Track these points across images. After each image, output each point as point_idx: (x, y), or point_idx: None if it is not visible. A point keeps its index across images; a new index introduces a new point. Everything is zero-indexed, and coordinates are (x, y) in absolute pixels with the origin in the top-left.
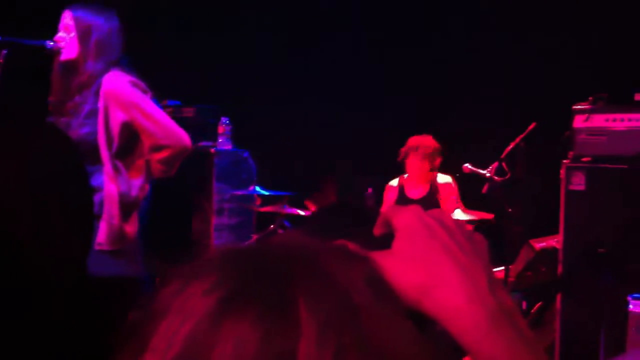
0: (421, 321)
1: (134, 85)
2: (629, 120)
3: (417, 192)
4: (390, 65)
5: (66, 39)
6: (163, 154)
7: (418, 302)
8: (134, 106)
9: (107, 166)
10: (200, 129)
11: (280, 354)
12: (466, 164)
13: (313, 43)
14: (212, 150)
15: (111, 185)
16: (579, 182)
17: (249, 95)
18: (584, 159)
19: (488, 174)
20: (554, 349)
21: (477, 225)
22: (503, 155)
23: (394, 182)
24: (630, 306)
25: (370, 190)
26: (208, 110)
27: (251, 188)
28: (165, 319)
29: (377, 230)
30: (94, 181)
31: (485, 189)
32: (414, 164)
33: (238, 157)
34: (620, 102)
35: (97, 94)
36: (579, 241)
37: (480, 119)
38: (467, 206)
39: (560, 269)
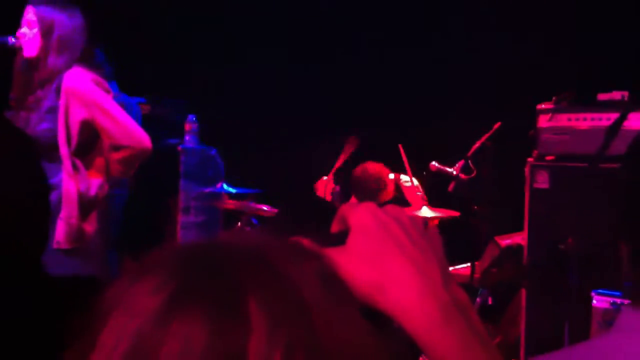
0: (376, 318)
1: (96, 83)
2: (592, 119)
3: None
4: (360, 66)
5: (28, 34)
6: (122, 154)
7: (372, 299)
8: (95, 104)
9: (66, 164)
10: (167, 127)
11: (229, 351)
12: (433, 162)
13: (281, 39)
14: (179, 147)
15: (70, 183)
16: (543, 181)
17: (217, 92)
18: (548, 158)
19: (454, 172)
20: (519, 344)
21: (444, 222)
22: (469, 154)
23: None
24: (594, 302)
25: (337, 188)
26: (174, 107)
27: (218, 186)
28: (113, 317)
29: (334, 227)
30: (53, 179)
31: (451, 187)
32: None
33: (205, 154)
34: (583, 102)
35: (58, 91)
36: (544, 238)
37: (446, 117)
38: (434, 204)
39: (524, 265)
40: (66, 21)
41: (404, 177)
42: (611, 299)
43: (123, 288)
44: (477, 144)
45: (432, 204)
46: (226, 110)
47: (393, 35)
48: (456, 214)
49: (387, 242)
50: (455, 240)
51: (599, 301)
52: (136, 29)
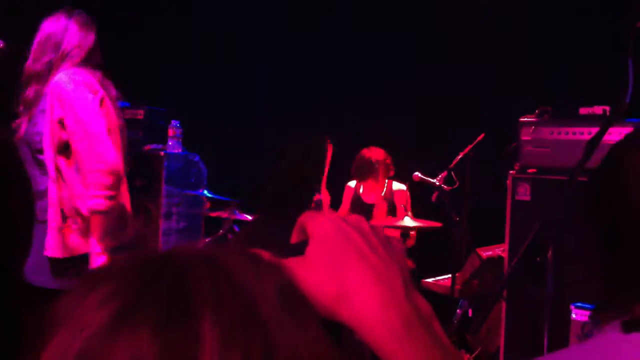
0: (338, 330)
1: (85, 86)
2: (573, 133)
3: (372, 196)
4: (342, 73)
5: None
6: (88, 175)
7: (332, 310)
8: (70, 106)
9: (49, 167)
10: (150, 132)
11: None
12: (416, 173)
13: (262, 44)
14: (162, 153)
15: (52, 188)
16: (524, 193)
17: (200, 98)
18: (530, 170)
19: (437, 183)
20: (498, 355)
21: (426, 232)
22: (452, 165)
23: (352, 184)
24: (573, 315)
25: (317, 196)
26: (158, 112)
27: (201, 192)
28: (60, 332)
29: (294, 237)
30: (42, 185)
31: (434, 197)
32: (373, 181)
33: (188, 160)
34: (565, 116)
35: (45, 94)
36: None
37: (430, 129)
38: (416, 214)
39: (504, 277)
40: (46, 25)
41: (397, 185)
42: (589, 312)
43: (74, 300)
44: (460, 155)
45: (414, 214)
46: (210, 116)
47: (377, 44)
48: (438, 224)
49: (348, 252)
50: (436, 251)
51: (577, 314)
52: (119, 33)
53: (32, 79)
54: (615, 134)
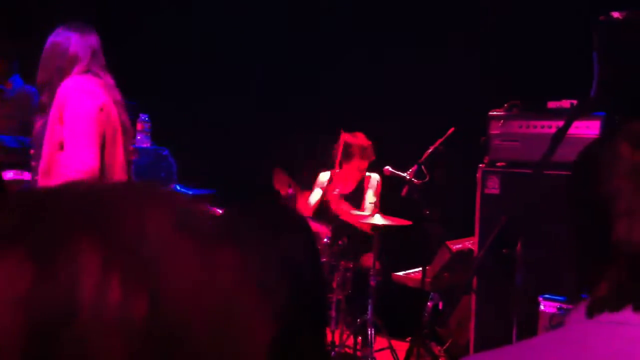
0: None
1: (86, 93)
2: (542, 127)
3: (346, 187)
4: (314, 66)
5: None
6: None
7: None
8: (67, 110)
9: (43, 161)
10: None
11: (57, 290)
12: (387, 167)
13: (232, 37)
14: (130, 147)
15: (43, 181)
16: (493, 186)
17: (168, 91)
18: (499, 164)
19: (408, 177)
20: (468, 346)
21: (396, 229)
22: (422, 159)
23: (325, 176)
24: (542, 307)
25: (290, 190)
26: (126, 106)
27: (171, 186)
28: None
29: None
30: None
31: (404, 191)
32: (356, 164)
33: (157, 155)
34: (533, 110)
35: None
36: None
37: (400, 122)
38: (386, 210)
39: (473, 269)
40: (50, 39)
41: (374, 176)
42: (558, 304)
43: None
44: (431, 149)
45: (384, 211)
46: (178, 109)
47: (350, 40)
48: (408, 222)
49: None
50: (407, 244)
51: (546, 306)
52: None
53: (45, 85)
54: (583, 127)
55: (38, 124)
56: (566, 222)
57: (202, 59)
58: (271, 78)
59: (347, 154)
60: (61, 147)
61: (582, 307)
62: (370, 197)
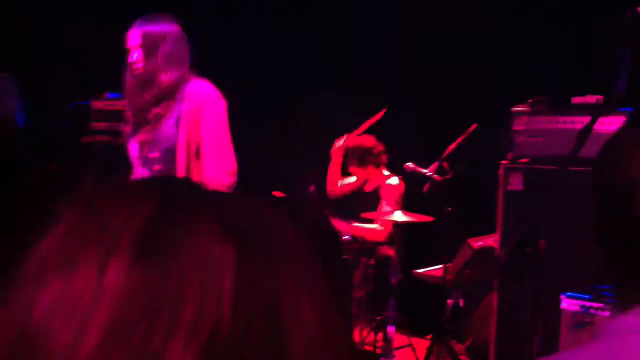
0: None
1: (220, 98)
2: (565, 122)
3: (368, 186)
4: (327, 63)
5: (136, 58)
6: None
7: None
8: (208, 119)
9: (179, 168)
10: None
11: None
12: (408, 163)
13: (232, 37)
14: None
15: None
16: (516, 183)
17: None
18: (522, 160)
19: (429, 174)
20: (489, 347)
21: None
22: (444, 155)
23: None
24: (563, 304)
25: (313, 188)
26: None
27: None
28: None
29: None
30: None
31: (426, 188)
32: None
33: None
34: (558, 106)
35: (182, 100)
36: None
37: (422, 119)
38: (408, 207)
39: (496, 267)
40: (170, 36)
41: (393, 182)
42: (580, 302)
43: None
44: (453, 146)
45: (406, 208)
46: None
47: (365, 35)
48: (430, 219)
49: None
50: (428, 241)
51: (568, 304)
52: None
53: (161, 94)
54: (607, 123)
55: (159, 134)
56: (592, 216)
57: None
58: (279, 78)
59: (361, 159)
60: (198, 153)
61: (634, 313)
62: (385, 208)
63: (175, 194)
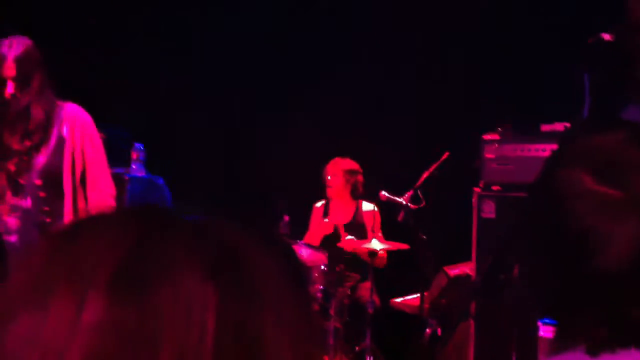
0: None
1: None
2: (536, 150)
3: (342, 216)
4: (302, 91)
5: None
6: (91, 200)
7: None
8: (90, 138)
9: (67, 195)
10: (113, 155)
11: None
12: (383, 192)
13: (222, 64)
14: (125, 176)
15: (70, 216)
16: (489, 210)
17: (164, 121)
18: (494, 187)
19: (404, 202)
20: None
21: (394, 252)
22: (418, 184)
23: (319, 204)
24: (540, 332)
25: (286, 218)
26: (121, 135)
27: None
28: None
29: None
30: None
31: (400, 216)
32: (337, 187)
33: (152, 184)
34: (527, 133)
35: (60, 124)
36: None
37: (396, 147)
38: (384, 234)
39: (472, 295)
40: (38, 61)
41: (366, 205)
42: (552, 336)
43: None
44: (426, 174)
45: (383, 236)
46: (174, 139)
47: (344, 66)
48: (406, 246)
49: None
50: (404, 270)
51: (545, 331)
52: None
53: (37, 124)
54: None
55: (37, 162)
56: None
57: (200, 91)
58: (265, 105)
59: (333, 182)
60: (83, 178)
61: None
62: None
63: (153, 225)
